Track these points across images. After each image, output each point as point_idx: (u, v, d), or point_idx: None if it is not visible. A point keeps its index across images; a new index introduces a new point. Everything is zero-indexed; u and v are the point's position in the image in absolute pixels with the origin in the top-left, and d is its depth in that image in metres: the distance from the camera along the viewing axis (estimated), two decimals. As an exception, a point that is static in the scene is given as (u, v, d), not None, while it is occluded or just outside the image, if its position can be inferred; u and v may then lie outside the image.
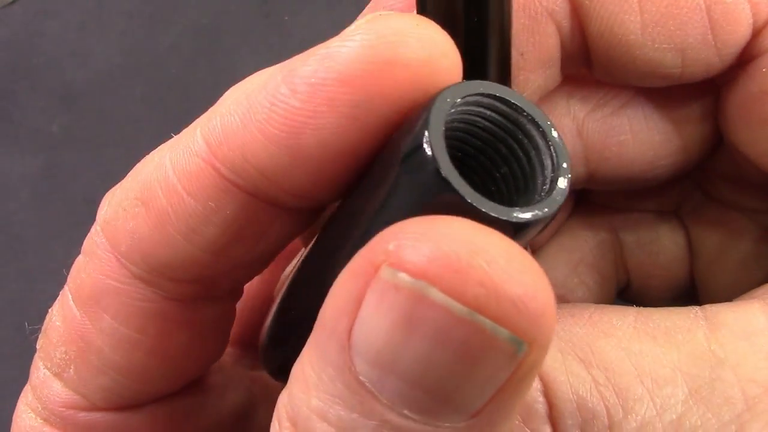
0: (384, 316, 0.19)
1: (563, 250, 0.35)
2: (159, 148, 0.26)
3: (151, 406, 0.30)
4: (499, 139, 0.21)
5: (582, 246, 0.35)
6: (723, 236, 0.33)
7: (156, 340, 0.27)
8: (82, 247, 0.28)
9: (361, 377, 0.19)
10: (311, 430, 0.20)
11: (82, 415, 0.29)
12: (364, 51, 0.21)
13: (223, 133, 0.23)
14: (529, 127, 0.21)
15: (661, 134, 0.31)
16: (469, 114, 0.21)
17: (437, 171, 0.19)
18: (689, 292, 0.34)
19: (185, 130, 0.25)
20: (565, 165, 0.20)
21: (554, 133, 0.20)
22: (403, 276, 0.18)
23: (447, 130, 0.20)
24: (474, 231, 0.19)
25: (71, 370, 0.28)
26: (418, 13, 0.23)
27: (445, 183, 0.19)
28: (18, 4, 0.64)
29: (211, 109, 0.24)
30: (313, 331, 0.21)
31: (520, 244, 0.19)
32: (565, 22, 0.28)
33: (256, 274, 0.29)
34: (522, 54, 0.28)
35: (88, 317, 0.27)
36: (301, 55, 0.23)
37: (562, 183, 0.19)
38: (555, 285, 0.33)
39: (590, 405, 0.22)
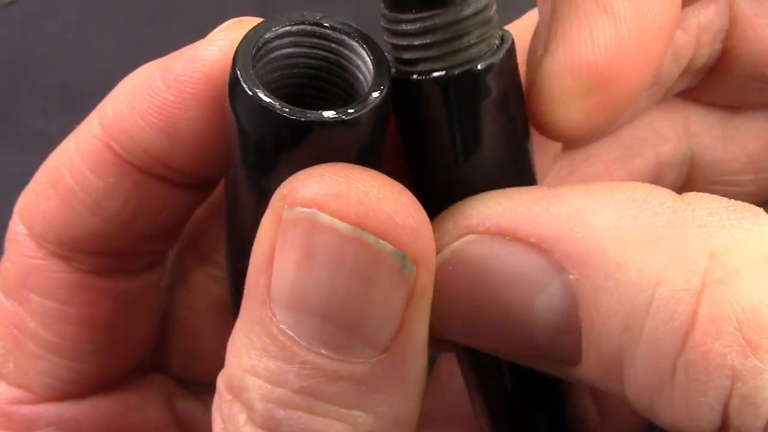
0: (289, 255, 0.21)
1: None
2: (66, 139, 0.29)
3: (92, 398, 0.31)
4: (323, 63, 0.24)
5: None
6: None
7: (82, 310, 0.29)
8: (5, 243, 0.30)
9: (281, 326, 0.22)
10: (245, 388, 0.22)
11: (26, 409, 0.30)
12: (225, 53, 0.25)
13: (114, 117, 0.27)
14: (344, 50, 0.24)
15: None
16: (290, 46, 0.23)
17: (242, 88, 0.21)
18: None
19: (86, 119, 0.28)
20: (380, 79, 0.22)
21: (368, 53, 0.23)
22: (298, 209, 0.21)
23: (269, 64, 0.23)
24: (352, 167, 0.22)
25: (11, 364, 0.29)
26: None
27: (255, 98, 0.21)
28: (18, 4, 0.64)
29: (105, 98, 0.28)
30: (243, 300, 0.23)
31: (358, 146, 0.22)
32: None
33: (168, 247, 0.31)
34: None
35: (18, 302, 0.29)
36: (175, 52, 0.26)
37: (375, 94, 0.22)
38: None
39: None
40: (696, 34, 0.31)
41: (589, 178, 0.34)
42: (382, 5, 0.23)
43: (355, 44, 0.24)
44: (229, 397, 0.23)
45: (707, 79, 0.33)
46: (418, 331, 0.23)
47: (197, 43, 0.26)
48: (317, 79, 0.24)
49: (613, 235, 0.22)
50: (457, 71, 0.23)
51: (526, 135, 0.26)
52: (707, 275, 0.20)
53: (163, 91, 0.26)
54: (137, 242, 0.29)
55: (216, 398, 0.24)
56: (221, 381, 0.24)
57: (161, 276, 0.32)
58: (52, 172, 0.28)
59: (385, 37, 0.24)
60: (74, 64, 0.61)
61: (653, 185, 0.23)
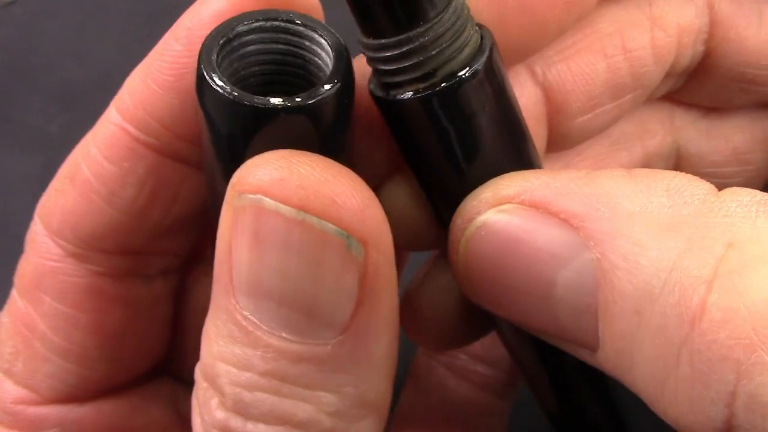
0: (242, 242, 0.22)
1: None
2: (87, 135, 0.29)
3: (97, 401, 0.31)
4: (286, 57, 0.25)
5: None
6: None
7: (92, 316, 0.29)
8: (25, 242, 0.30)
9: (244, 312, 0.22)
10: (216, 374, 0.23)
11: (32, 410, 0.30)
12: (230, 1, 0.25)
13: (129, 96, 0.27)
14: (306, 42, 0.24)
15: None
16: (253, 43, 0.24)
17: (203, 78, 0.22)
18: None
19: (105, 112, 0.28)
20: (336, 73, 0.23)
21: (329, 45, 0.24)
22: (245, 196, 0.22)
23: (233, 59, 0.24)
24: (296, 153, 0.22)
25: (20, 363, 0.30)
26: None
27: (212, 87, 0.22)
28: (18, 4, 0.64)
29: (122, 87, 0.28)
30: (212, 297, 0.24)
31: (319, 137, 0.23)
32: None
33: (181, 251, 0.32)
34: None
35: (30, 303, 0.29)
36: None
37: (327, 86, 0.23)
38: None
39: None
40: (677, 35, 0.31)
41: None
42: (359, 31, 0.24)
43: (316, 36, 0.24)
44: (204, 384, 0.24)
45: (691, 81, 0.34)
46: (379, 311, 0.23)
47: None
48: (282, 73, 0.25)
49: (637, 219, 0.22)
50: (443, 85, 0.23)
51: (522, 129, 0.26)
52: (722, 264, 0.20)
53: (173, 44, 0.27)
54: (153, 238, 0.29)
55: (195, 387, 0.25)
56: (197, 370, 0.24)
57: (174, 285, 0.33)
58: (70, 166, 0.29)
59: (366, 62, 0.24)
60: (74, 64, 0.61)
61: (696, 178, 0.23)
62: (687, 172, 0.35)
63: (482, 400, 0.37)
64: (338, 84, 0.23)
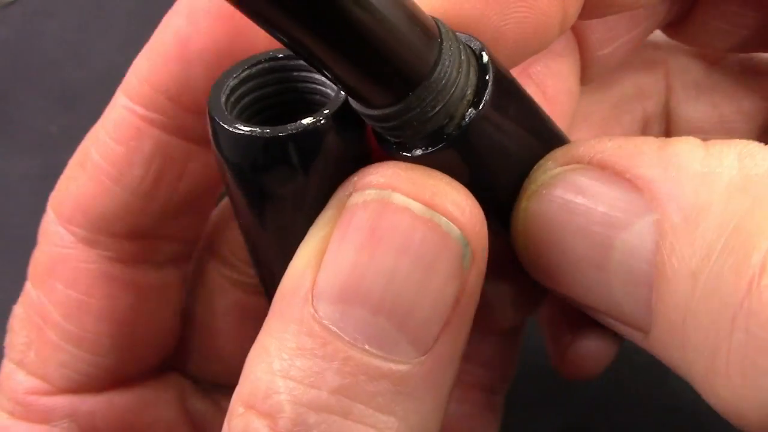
0: (350, 242, 0.21)
1: None
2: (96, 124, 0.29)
3: (109, 393, 0.31)
4: (292, 93, 0.25)
5: None
6: None
7: (103, 302, 0.30)
8: (38, 234, 0.30)
9: (324, 321, 0.21)
10: (274, 391, 0.21)
11: (44, 400, 0.30)
12: None
13: (135, 76, 0.28)
14: (306, 73, 0.25)
15: None
16: (261, 86, 0.25)
17: (213, 119, 0.23)
18: None
19: (113, 98, 0.29)
20: (326, 111, 0.22)
21: (314, 84, 0.24)
22: (370, 191, 0.22)
23: (242, 108, 0.24)
24: (421, 167, 0.22)
25: (32, 353, 0.30)
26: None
27: (220, 123, 0.22)
28: (18, 4, 0.64)
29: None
30: (270, 310, 0.23)
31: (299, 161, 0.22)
32: None
33: (190, 236, 0.32)
34: None
35: (43, 292, 0.30)
36: None
37: (308, 119, 0.22)
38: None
39: None
40: None
41: (587, 137, 0.35)
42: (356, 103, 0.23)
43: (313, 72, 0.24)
44: (241, 410, 0.22)
45: (685, 18, 0.34)
46: (460, 337, 0.23)
47: None
48: (294, 110, 0.25)
49: (704, 179, 0.21)
50: (454, 133, 0.22)
51: (548, 123, 0.26)
52: None
53: (176, 18, 0.27)
54: (161, 220, 0.30)
55: (226, 418, 0.23)
56: (234, 397, 0.23)
57: (184, 275, 0.33)
58: (81, 154, 0.29)
59: (370, 127, 0.23)
60: (74, 64, 0.61)
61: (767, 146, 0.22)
62: (675, 135, 0.37)
63: (474, 397, 0.37)
64: (318, 120, 0.22)
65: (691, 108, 0.36)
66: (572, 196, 0.23)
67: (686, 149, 0.22)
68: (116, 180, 0.28)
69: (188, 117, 0.28)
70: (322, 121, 0.22)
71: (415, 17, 0.20)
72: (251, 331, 0.34)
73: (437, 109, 0.22)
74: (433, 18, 0.22)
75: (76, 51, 0.62)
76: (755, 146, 0.21)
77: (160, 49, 0.27)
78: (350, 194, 0.22)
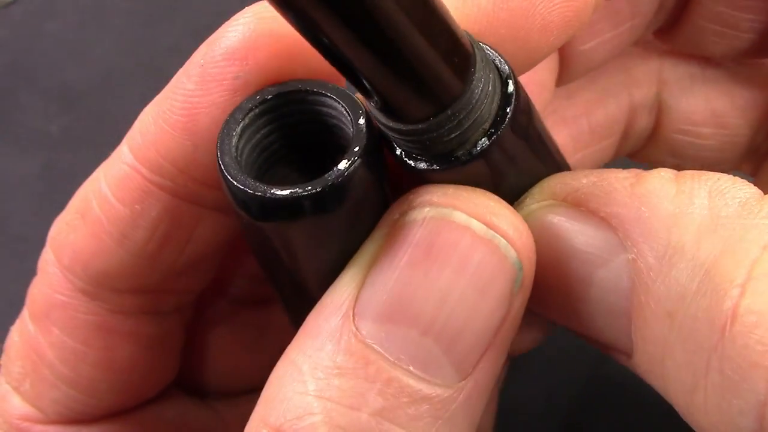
0: (402, 259, 0.21)
1: None
2: (98, 168, 0.28)
3: (103, 423, 0.31)
4: (306, 124, 0.24)
5: None
6: None
7: (101, 353, 0.29)
8: (38, 265, 0.29)
9: (367, 340, 0.21)
10: (308, 412, 0.20)
11: (38, 428, 0.30)
12: (247, 29, 0.24)
13: (141, 136, 0.26)
14: (317, 105, 0.23)
15: None
16: (273, 121, 0.23)
17: (224, 173, 0.21)
18: None
19: (117, 149, 0.27)
20: (357, 149, 0.21)
21: (341, 105, 0.22)
22: (428, 208, 0.21)
23: (253, 149, 0.23)
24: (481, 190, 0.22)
25: (27, 384, 0.29)
26: None
27: (233, 182, 0.21)
28: (18, 4, 0.64)
29: (134, 124, 0.26)
30: (301, 328, 0.22)
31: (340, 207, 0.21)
32: None
33: (196, 288, 0.30)
34: None
35: (40, 331, 0.29)
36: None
37: (343, 164, 0.21)
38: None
39: None
40: None
41: (570, 119, 0.35)
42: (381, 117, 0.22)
43: (329, 101, 0.23)
44: (265, 430, 0.21)
45: (678, 22, 0.35)
46: (495, 364, 0.22)
47: (220, 28, 0.25)
48: (296, 144, 0.24)
49: (676, 220, 0.21)
50: (485, 144, 0.22)
51: (549, 154, 0.26)
52: (757, 266, 0.19)
53: (185, 83, 0.25)
54: (166, 278, 0.28)
55: None
56: (256, 419, 0.22)
57: (188, 318, 0.32)
58: (81, 201, 0.28)
59: (395, 144, 0.23)
60: (74, 64, 0.61)
61: (743, 180, 0.22)
62: (666, 126, 0.37)
63: None
64: (353, 162, 0.21)
65: (684, 101, 0.36)
66: (550, 234, 0.23)
67: (658, 186, 0.22)
68: (118, 241, 0.27)
69: (199, 187, 0.26)
70: (357, 161, 0.21)
71: (453, 32, 0.20)
72: (245, 341, 0.33)
73: (464, 127, 0.21)
74: (467, 32, 0.22)
75: (76, 51, 0.62)
76: (726, 182, 0.21)
77: (168, 115, 0.25)
78: (405, 212, 0.22)
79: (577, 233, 0.23)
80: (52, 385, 0.29)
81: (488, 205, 0.22)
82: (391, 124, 0.21)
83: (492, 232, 0.21)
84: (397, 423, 0.21)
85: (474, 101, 0.21)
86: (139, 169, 0.26)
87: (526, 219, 0.24)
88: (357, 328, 0.21)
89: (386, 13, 0.18)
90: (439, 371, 0.21)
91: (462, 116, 0.21)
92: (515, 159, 0.24)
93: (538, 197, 0.24)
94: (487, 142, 0.22)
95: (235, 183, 0.21)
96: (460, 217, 0.21)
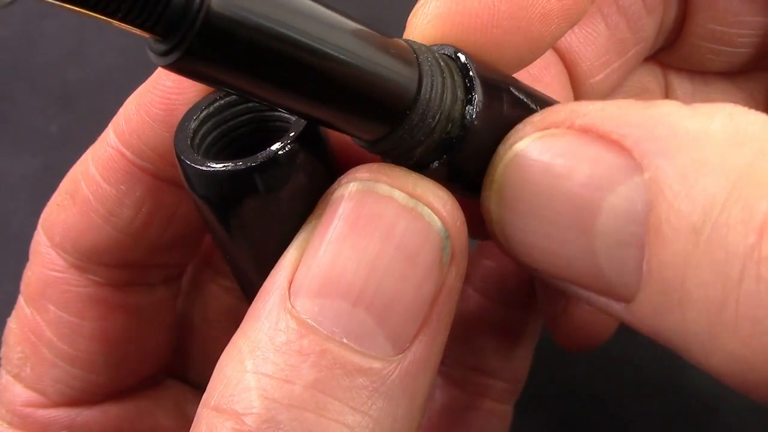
0: (333, 233, 0.22)
1: None
2: (86, 151, 0.30)
3: (104, 405, 0.31)
4: (255, 124, 0.26)
5: None
6: None
7: (96, 324, 0.30)
8: (29, 252, 0.31)
9: (302, 315, 0.21)
10: (244, 388, 0.21)
11: (41, 413, 0.31)
12: None
13: (125, 122, 0.28)
14: (261, 113, 0.25)
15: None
16: (222, 122, 0.25)
17: (184, 162, 0.23)
18: None
19: (104, 132, 0.29)
20: (292, 134, 0.23)
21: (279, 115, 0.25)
22: (353, 183, 0.22)
23: (207, 138, 0.25)
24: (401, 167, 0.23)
25: (27, 368, 0.30)
26: None
27: (180, 157, 0.23)
28: (17, 4, 0.64)
29: (120, 109, 0.29)
30: (246, 315, 0.23)
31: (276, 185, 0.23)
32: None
33: (185, 261, 0.32)
34: None
35: (36, 311, 0.30)
36: None
37: (276, 145, 0.23)
38: None
39: None
40: None
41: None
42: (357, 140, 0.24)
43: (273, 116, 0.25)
44: (206, 411, 0.22)
45: (676, 41, 0.35)
46: (434, 340, 0.22)
47: None
48: (260, 138, 0.26)
49: (697, 136, 0.20)
50: (461, 134, 0.23)
51: (536, 97, 0.26)
52: None
53: (164, 80, 0.27)
54: (152, 253, 0.30)
55: (194, 423, 0.22)
56: (202, 403, 0.22)
57: (177, 291, 0.33)
58: (71, 182, 0.29)
59: (406, 159, 0.24)
60: (74, 64, 0.61)
61: (753, 110, 0.21)
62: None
63: (484, 406, 0.37)
64: (284, 147, 0.23)
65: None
66: (553, 159, 0.22)
67: (673, 109, 0.21)
68: (105, 218, 0.28)
69: (175, 171, 0.27)
70: (290, 145, 0.23)
71: (387, 49, 0.21)
72: None
73: (437, 118, 0.22)
74: (405, 40, 0.23)
75: (76, 51, 0.62)
76: (743, 108, 0.21)
77: (148, 108, 0.27)
78: (334, 189, 0.22)
79: (586, 157, 0.21)
80: (52, 365, 0.30)
81: (410, 176, 0.22)
82: (373, 147, 0.23)
83: (414, 200, 0.22)
84: (331, 395, 0.21)
85: (435, 81, 0.22)
86: (123, 152, 0.28)
87: (528, 146, 0.23)
88: (292, 306, 0.21)
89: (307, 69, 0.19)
90: (374, 343, 0.21)
91: (432, 99, 0.22)
92: (505, 110, 0.24)
93: (540, 125, 0.23)
94: (471, 108, 0.23)
95: (181, 157, 0.23)
96: (382, 188, 0.22)
